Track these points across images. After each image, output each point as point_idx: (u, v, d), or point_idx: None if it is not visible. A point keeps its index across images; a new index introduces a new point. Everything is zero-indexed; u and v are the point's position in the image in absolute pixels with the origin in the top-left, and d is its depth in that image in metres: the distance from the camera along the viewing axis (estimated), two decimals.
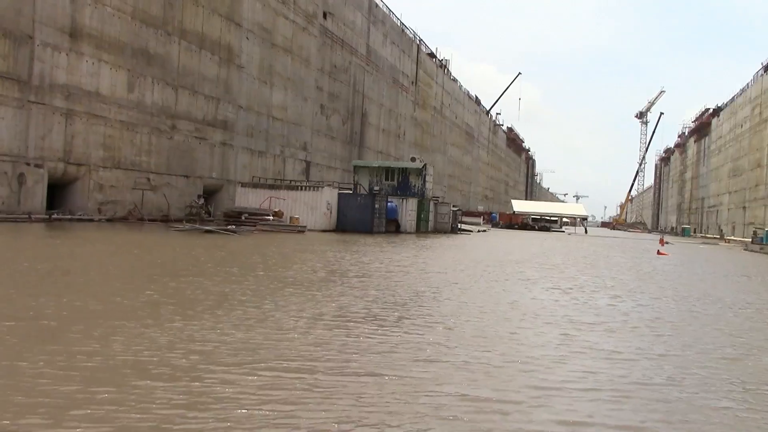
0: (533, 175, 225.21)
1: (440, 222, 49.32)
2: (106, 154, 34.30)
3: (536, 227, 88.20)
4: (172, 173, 39.49)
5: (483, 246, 33.99)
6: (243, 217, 34.04)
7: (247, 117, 47.69)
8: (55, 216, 29.45)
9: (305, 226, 34.16)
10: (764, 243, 64.50)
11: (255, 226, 32.59)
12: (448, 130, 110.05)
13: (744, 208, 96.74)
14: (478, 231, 59.67)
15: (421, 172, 47.08)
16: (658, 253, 35.14)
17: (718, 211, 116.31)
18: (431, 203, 48.37)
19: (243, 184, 38.82)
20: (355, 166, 49.21)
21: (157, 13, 37.43)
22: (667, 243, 48.02)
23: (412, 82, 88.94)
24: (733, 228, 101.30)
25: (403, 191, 46.17)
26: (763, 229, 74.00)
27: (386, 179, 46.89)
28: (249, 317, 8.92)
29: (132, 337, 7.23)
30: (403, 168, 47.66)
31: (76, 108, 32.17)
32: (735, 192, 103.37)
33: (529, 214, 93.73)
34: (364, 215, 37.80)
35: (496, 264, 21.53)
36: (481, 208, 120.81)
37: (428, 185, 47.80)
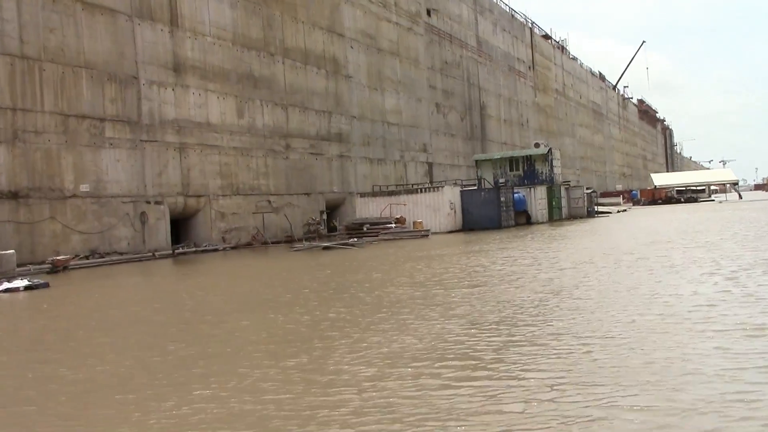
0: (672, 145, 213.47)
1: (574, 207, 46.46)
2: (224, 182, 34.36)
3: (682, 199, 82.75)
4: (292, 192, 39.22)
5: (622, 228, 31.21)
6: (364, 228, 33.11)
7: (361, 126, 46.96)
8: (179, 250, 29.58)
9: (428, 230, 32.74)
10: None
11: (377, 235, 31.53)
12: (573, 111, 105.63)
13: None
14: (618, 211, 56.14)
15: (547, 157, 44.52)
16: None
17: None
18: (562, 188, 45.60)
19: (362, 195, 37.94)
20: (476, 161, 47.33)
21: (258, 35, 37.31)
22: None
23: (529, 68, 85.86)
24: None
25: (530, 180, 43.84)
26: None
27: (511, 170, 44.72)
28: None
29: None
30: (527, 155, 45.29)
31: (189, 141, 32.36)
32: None
33: (672, 187, 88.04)
34: (490, 211, 35.90)
35: (635, 252, 19.15)
36: (619, 187, 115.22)
37: (556, 170, 45.13)
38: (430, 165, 57.09)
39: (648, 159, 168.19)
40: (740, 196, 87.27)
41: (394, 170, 51.27)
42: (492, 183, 43.33)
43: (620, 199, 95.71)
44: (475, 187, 39.93)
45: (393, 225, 33.30)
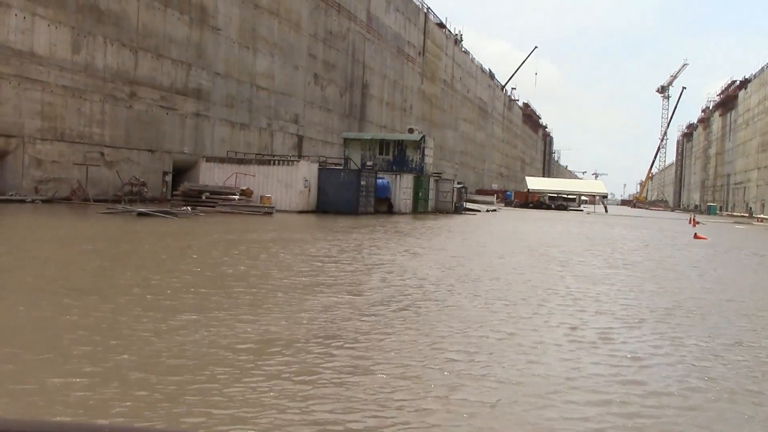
0: (551, 152, 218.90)
1: (442, 201, 44.13)
2: (46, 124, 29.53)
3: (552, 206, 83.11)
4: (132, 147, 34.73)
5: (482, 231, 28.81)
6: (203, 197, 29.21)
7: (225, 85, 42.74)
8: None
9: (273, 207, 29.21)
10: None
11: (214, 207, 27.78)
12: (459, 104, 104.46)
13: None
14: (487, 210, 54.53)
15: (420, 144, 41.94)
16: (695, 237, 29.97)
17: (745, 188, 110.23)
18: (431, 180, 43.14)
19: (207, 159, 33.93)
20: (345, 139, 44.14)
21: None
22: (698, 223, 42.81)
23: (420, 53, 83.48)
24: (763, 206, 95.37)
25: (399, 166, 41.12)
26: None
27: (380, 153, 41.87)
28: None
29: None
30: (398, 140, 42.55)
31: (3, 70, 27.38)
32: (765, 167, 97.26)
33: (545, 192, 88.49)
34: (348, 194, 32.80)
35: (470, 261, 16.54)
36: (495, 186, 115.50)
37: (428, 159, 42.66)
38: (301, 138, 53.42)
39: (526, 162, 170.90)
40: (606, 210, 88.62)
41: (259, 138, 47.32)
42: (359, 165, 40.30)
43: (494, 198, 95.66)
44: (336, 168, 36.64)
45: (237, 197, 29.58)
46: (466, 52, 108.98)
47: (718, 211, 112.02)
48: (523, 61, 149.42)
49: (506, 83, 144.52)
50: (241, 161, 33.11)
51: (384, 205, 36.84)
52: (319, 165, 34.65)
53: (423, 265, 13.46)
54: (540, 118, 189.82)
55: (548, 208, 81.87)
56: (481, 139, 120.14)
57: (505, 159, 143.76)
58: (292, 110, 51.81)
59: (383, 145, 42.15)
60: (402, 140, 42.33)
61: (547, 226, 35.24)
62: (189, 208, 26.83)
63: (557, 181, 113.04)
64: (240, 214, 27.58)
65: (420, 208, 40.68)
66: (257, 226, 22.27)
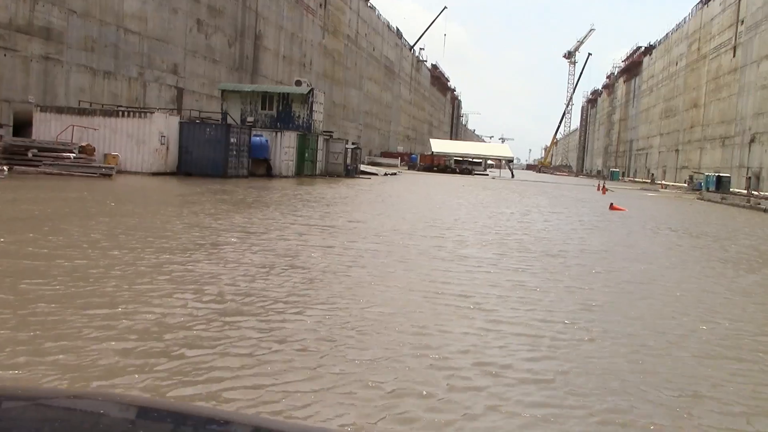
0: (459, 116, 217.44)
1: (333, 163, 39.66)
2: None
3: (458, 170, 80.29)
4: None
5: (368, 201, 24.42)
6: (30, 154, 23.85)
7: (84, 26, 36.75)
8: None
9: (113, 168, 24.13)
10: (702, 189, 57.75)
11: (38, 166, 22.57)
12: (364, 62, 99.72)
13: (677, 151, 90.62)
14: (386, 174, 50.46)
15: (308, 98, 37.22)
16: (611, 207, 26.72)
17: (647, 154, 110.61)
18: (320, 139, 38.52)
19: (43, 108, 28.30)
20: (222, 91, 38.91)
21: None
22: (608, 190, 40.12)
23: (321, 5, 78.10)
24: (664, 172, 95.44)
25: (284, 123, 36.41)
26: (701, 173, 67.54)
27: (263, 108, 36.98)
28: None
29: None
30: (283, 93, 37.65)
31: None
32: (667, 134, 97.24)
33: (450, 155, 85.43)
34: (216, 153, 27.98)
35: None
36: (400, 149, 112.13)
37: (317, 116, 38.06)
38: (181, 91, 47.74)
39: (434, 125, 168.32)
40: (513, 175, 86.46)
41: (129, 89, 41.51)
42: (239, 120, 35.37)
43: (398, 162, 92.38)
44: (200, 121, 31.52)
45: (73, 155, 24.33)
46: (372, 8, 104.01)
47: (620, 177, 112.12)
48: (432, 21, 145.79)
49: (415, 43, 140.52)
50: (82, 112, 27.66)
51: (262, 167, 32.19)
52: (189, 119, 29.55)
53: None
54: (448, 81, 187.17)
55: (453, 171, 79.26)
56: (387, 100, 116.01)
57: (412, 121, 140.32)
58: (170, 59, 46.04)
59: (266, 98, 37.25)
60: (288, 93, 37.49)
61: (442, 194, 31.43)
62: (6, 168, 21.56)
63: (463, 144, 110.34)
64: (70, 175, 22.45)
65: (306, 170, 36.11)
66: (67, 193, 17.41)
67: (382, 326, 6.22)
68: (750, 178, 60.38)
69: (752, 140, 61.58)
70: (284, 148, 33.34)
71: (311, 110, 37.13)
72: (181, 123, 28.70)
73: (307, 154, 35.97)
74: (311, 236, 12.04)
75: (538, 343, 6.01)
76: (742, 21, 66.50)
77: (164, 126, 27.32)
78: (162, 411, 1.52)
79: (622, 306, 7.97)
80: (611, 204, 27.41)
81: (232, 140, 28.70)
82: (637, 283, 9.73)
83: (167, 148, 27.27)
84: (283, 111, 36.86)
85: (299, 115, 37.06)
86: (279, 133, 33.64)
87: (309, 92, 37.42)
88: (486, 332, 6.24)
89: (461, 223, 16.70)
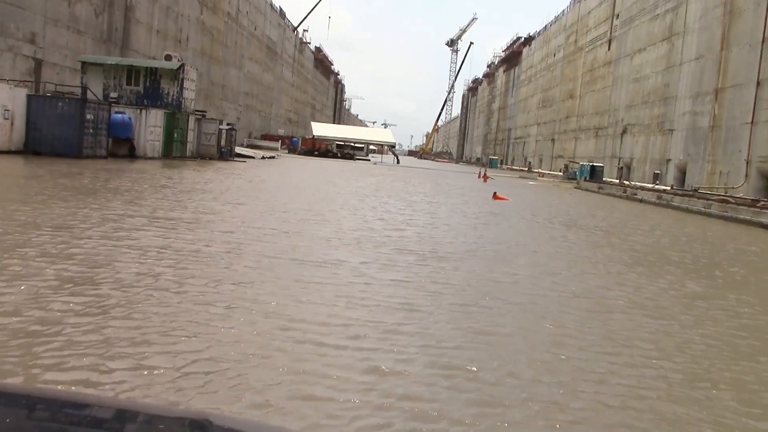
0: (342, 100, 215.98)
1: (205, 144, 37.14)
2: None
3: (339, 155, 79.15)
4: None
5: (230, 187, 22.13)
6: None
7: None
8: None
9: None
10: (577, 177, 59.00)
11: None
12: (245, 41, 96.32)
13: (553, 140, 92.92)
14: (263, 158, 48.31)
15: (178, 74, 34.67)
16: (495, 197, 26.01)
17: (525, 142, 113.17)
18: (192, 119, 35.96)
19: None
20: (83, 63, 35.71)
21: None
22: (489, 178, 39.80)
23: None
24: (540, 160, 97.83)
25: (152, 100, 33.74)
26: (576, 162, 69.14)
27: (128, 83, 34.14)
28: None
29: None
30: (151, 68, 34.92)
31: None
32: (544, 123, 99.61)
33: (332, 140, 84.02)
34: (68, 131, 25.21)
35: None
36: (282, 132, 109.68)
37: (188, 93, 35.53)
38: (39, 62, 43.69)
39: (317, 109, 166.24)
40: (398, 160, 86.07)
41: None
42: (101, 96, 32.42)
43: (279, 145, 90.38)
44: (51, 95, 28.44)
45: None
46: None
47: (499, 165, 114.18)
48: (317, 3, 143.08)
49: (299, 24, 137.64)
50: None
51: (124, 148, 29.56)
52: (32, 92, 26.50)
53: None
54: (332, 65, 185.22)
55: (335, 156, 78.11)
56: (268, 81, 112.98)
57: (294, 104, 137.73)
58: (26, 27, 41.96)
59: (132, 73, 34.41)
60: (156, 68, 34.77)
61: (319, 180, 29.90)
62: None
63: (345, 128, 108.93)
64: None
65: (175, 152, 33.56)
66: None
67: None
68: (621, 168, 62.28)
69: (624, 131, 63.49)
70: (150, 127, 30.75)
71: (182, 87, 34.60)
72: (29, 96, 25.67)
73: (176, 135, 33.43)
74: (144, 233, 9.95)
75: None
76: (617, 15, 68.37)
77: (8, 99, 24.28)
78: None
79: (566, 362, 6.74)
80: (495, 193, 26.78)
81: (88, 117, 25.94)
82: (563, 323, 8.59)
83: (12, 123, 24.29)
84: (150, 87, 34.16)
85: (168, 92, 34.45)
86: (144, 111, 31.02)
87: (179, 68, 34.84)
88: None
89: (336, 216, 15.22)
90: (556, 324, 6.77)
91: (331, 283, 7.84)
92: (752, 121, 38.38)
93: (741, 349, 6.58)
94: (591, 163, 60.65)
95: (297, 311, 6.36)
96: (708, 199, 30.54)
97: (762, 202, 29.60)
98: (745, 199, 32.82)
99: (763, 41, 38.02)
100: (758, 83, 38.07)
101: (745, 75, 40.20)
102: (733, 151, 40.85)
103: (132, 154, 30.01)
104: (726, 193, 37.86)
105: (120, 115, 29.29)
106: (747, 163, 38.86)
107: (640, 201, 34.59)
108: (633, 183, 50.31)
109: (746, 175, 38.89)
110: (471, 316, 6.79)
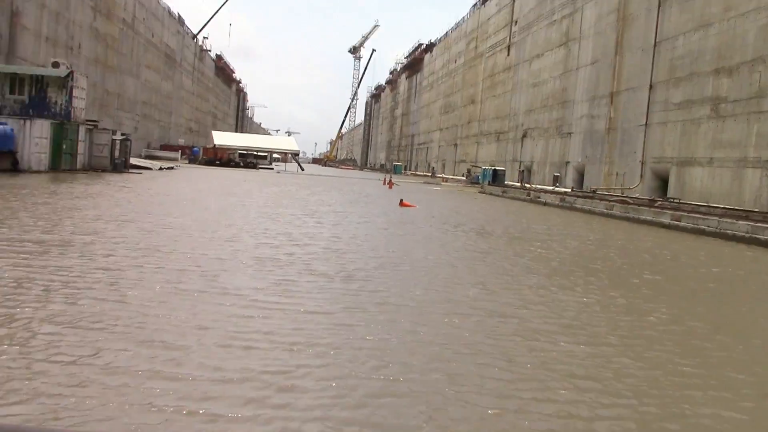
0: (244, 108, 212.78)
1: (98, 156, 35.26)
2: None
3: (242, 164, 77.73)
4: None
5: (118, 201, 20.76)
6: None
7: None
8: None
9: None
10: (480, 182, 59.72)
11: None
12: (142, 49, 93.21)
13: (455, 145, 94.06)
14: (161, 168, 46.53)
15: (66, 82, 32.80)
16: (401, 204, 25.67)
17: (428, 148, 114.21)
18: (82, 129, 34.03)
19: None
20: None
21: None
22: (394, 184, 39.57)
23: None
24: (444, 165, 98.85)
25: (38, 110, 31.78)
26: (479, 167, 70.06)
27: (12, 92, 32.03)
28: None
29: None
30: (36, 75, 32.89)
31: None
32: (446, 129, 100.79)
33: (234, 149, 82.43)
34: None
35: None
36: (182, 142, 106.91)
37: (78, 102, 33.67)
38: None
39: (219, 118, 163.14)
40: (302, 168, 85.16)
41: None
42: None
43: (179, 155, 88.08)
44: None
45: None
46: None
47: (403, 171, 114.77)
48: (217, 10, 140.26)
49: (198, 32, 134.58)
50: None
51: (6, 161, 27.62)
52: None
53: None
54: (234, 72, 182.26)
55: (237, 165, 76.63)
56: (167, 90, 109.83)
57: (195, 113, 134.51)
58: None
59: (16, 81, 32.28)
60: (42, 76, 32.76)
61: (218, 191, 28.79)
62: None
63: (247, 136, 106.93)
64: None
65: (64, 164, 31.64)
66: None
67: None
68: (523, 171, 63.48)
69: (524, 135, 64.75)
70: (35, 138, 28.87)
71: (71, 96, 32.74)
72: None
73: (65, 146, 31.53)
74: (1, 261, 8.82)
75: None
76: (516, 21, 69.78)
77: None
78: None
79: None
80: (401, 200, 26.45)
81: None
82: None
83: None
84: (36, 96, 32.16)
85: (56, 102, 32.54)
86: (29, 122, 29.10)
87: (68, 75, 32.96)
88: None
89: (232, 232, 14.36)
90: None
91: (216, 320, 6.87)
92: (646, 123, 39.67)
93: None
94: (493, 167, 61.52)
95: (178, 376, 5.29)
96: (610, 201, 31.21)
97: (659, 202, 30.49)
98: (643, 199, 33.77)
99: (655, 46, 39.38)
100: (651, 86, 39.39)
101: (638, 78, 41.55)
102: (629, 152, 42.13)
103: (15, 168, 28.06)
104: (623, 193, 38.97)
105: (1, 126, 27.36)
106: (642, 164, 40.13)
107: (544, 204, 35.07)
108: (534, 186, 51.22)
109: (641, 176, 40.15)
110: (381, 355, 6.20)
